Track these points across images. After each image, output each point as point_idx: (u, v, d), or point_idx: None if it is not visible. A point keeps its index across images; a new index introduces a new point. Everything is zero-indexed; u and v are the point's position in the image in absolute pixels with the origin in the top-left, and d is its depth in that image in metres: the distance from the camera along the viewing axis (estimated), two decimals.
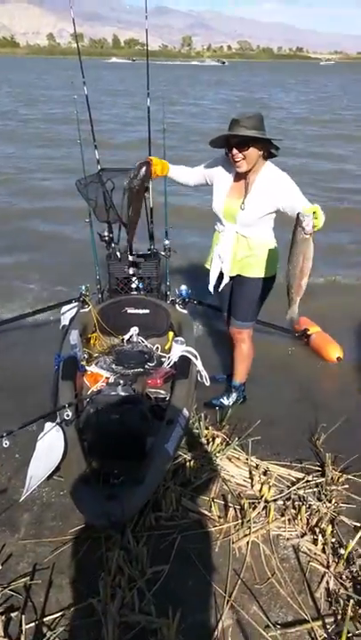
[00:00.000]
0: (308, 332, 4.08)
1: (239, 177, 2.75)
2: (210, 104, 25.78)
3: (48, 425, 2.51)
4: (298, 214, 2.27)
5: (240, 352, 3.23)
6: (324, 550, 2.29)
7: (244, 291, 2.99)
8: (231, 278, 2.99)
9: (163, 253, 3.83)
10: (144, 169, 2.81)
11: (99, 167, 3.78)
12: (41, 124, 17.35)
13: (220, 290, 3.10)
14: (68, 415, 2.48)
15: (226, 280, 3.00)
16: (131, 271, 3.82)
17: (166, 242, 3.79)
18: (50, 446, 2.44)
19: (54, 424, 2.50)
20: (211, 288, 3.11)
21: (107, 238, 3.89)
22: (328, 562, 2.24)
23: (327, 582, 2.17)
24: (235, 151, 2.58)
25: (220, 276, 3.01)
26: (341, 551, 2.25)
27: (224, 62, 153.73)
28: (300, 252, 2.34)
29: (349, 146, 14.31)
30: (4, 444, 2.22)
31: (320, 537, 2.34)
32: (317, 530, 2.38)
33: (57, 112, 19.91)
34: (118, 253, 3.87)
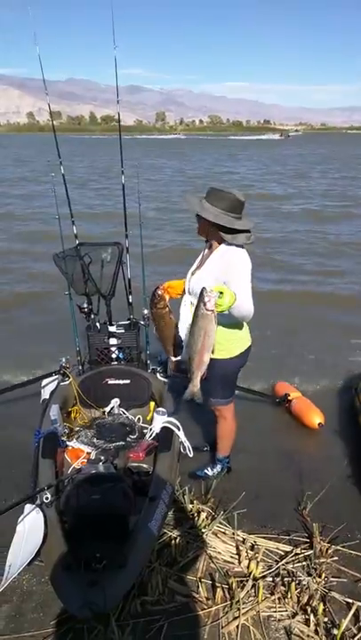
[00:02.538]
0: (289, 398, 4.09)
1: (207, 253, 2.83)
2: None
3: (28, 507, 2.43)
4: (202, 289, 2.33)
5: (220, 428, 3.20)
6: (316, 632, 2.20)
7: (209, 372, 2.95)
8: None
9: (142, 322, 3.88)
10: (155, 293, 2.92)
11: (77, 242, 3.87)
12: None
13: None
14: (47, 498, 2.41)
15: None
16: (111, 341, 3.84)
17: (145, 311, 3.84)
18: (30, 530, 2.35)
19: (34, 506, 2.43)
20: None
21: (86, 310, 3.93)
22: None
23: None
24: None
25: None
26: (334, 631, 2.17)
27: (288, 135, 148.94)
28: (201, 327, 2.38)
29: None
30: None
31: (312, 616, 2.25)
32: (309, 609, 2.30)
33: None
34: (98, 324, 3.90)
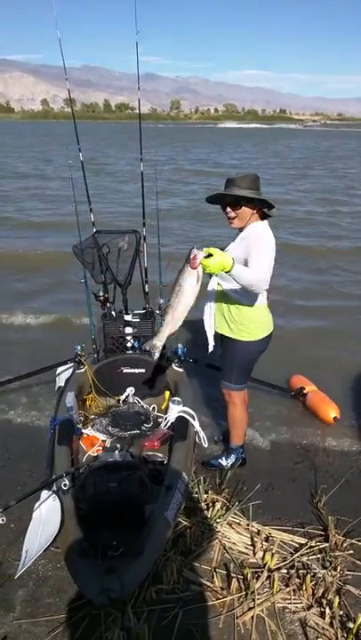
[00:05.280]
0: (305, 391, 4.06)
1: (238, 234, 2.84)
2: None
3: (44, 494, 2.44)
4: (190, 248, 2.30)
5: (230, 415, 3.19)
6: (332, 624, 2.19)
7: (227, 353, 3.00)
8: (224, 338, 3.00)
9: (158, 312, 3.86)
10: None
11: (94, 229, 3.85)
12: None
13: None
14: (65, 485, 2.42)
15: (210, 335, 3.00)
16: (126, 330, 3.83)
17: (161, 300, 3.83)
18: (46, 517, 2.37)
19: (50, 493, 2.44)
20: (210, 346, 3.04)
21: (102, 298, 3.91)
22: (337, 637, 2.14)
23: None
24: (228, 209, 2.73)
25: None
26: (350, 625, 2.16)
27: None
28: (178, 282, 2.37)
29: None
30: (0, 521, 2.15)
31: (327, 609, 2.24)
32: (324, 601, 2.29)
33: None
34: (114, 313, 3.89)
